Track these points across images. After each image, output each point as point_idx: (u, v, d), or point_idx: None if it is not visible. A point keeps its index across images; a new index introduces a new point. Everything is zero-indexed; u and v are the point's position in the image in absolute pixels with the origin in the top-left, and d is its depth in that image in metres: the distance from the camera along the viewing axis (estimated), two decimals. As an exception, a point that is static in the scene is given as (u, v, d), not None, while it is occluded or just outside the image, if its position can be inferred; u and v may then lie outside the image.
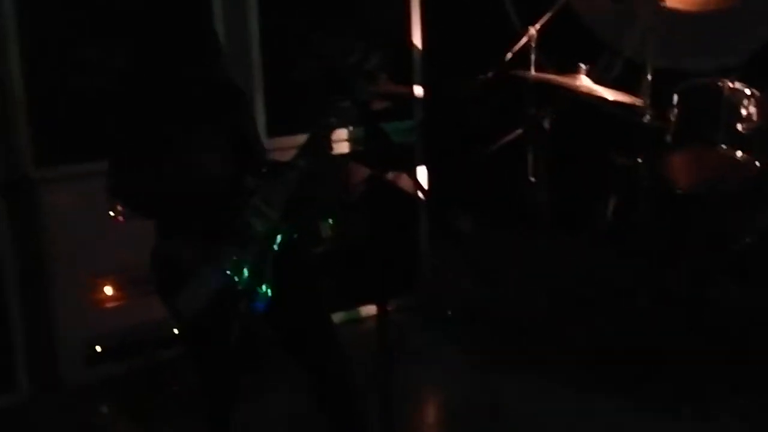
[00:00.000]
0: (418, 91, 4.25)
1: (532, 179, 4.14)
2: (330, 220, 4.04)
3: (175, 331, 3.22)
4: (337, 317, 3.82)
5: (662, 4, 3.77)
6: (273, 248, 2.64)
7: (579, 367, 3.65)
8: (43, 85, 3.43)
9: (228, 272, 2.54)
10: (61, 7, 3.47)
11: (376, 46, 2.71)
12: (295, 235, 2.75)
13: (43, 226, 3.49)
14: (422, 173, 4.33)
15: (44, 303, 3.53)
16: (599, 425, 3.36)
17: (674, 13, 3.88)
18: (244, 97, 2.97)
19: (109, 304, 3.62)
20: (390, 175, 3.35)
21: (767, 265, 3.80)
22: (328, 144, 2.80)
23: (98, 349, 3.61)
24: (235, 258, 2.56)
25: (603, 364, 3.62)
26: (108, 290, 3.61)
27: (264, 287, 2.59)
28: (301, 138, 2.67)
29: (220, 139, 2.73)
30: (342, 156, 3.98)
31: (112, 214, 3.48)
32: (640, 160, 3.86)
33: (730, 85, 3.58)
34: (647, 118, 3.73)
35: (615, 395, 3.45)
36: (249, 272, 2.57)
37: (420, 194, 4.23)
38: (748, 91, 3.57)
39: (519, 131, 4.07)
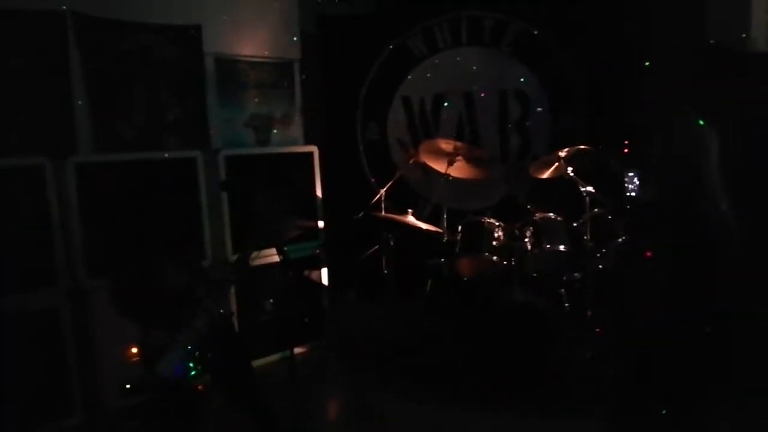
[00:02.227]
0: (321, 224, 4.25)
1: (385, 272, 4.05)
2: (270, 300, 3.88)
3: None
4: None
5: (448, 177, 3.77)
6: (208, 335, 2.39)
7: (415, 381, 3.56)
8: (96, 223, 3.22)
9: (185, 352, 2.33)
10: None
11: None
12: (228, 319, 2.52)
13: (94, 316, 3.27)
14: (325, 271, 4.27)
15: (94, 360, 3.32)
16: (425, 413, 3.26)
17: (456, 180, 3.89)
18: None
19: (135, 359, 3.26)
20: (306, 272, 3.32)
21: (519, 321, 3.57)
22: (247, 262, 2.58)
23: (128, 386, 3.32)
24: (184, 344, 2.35)
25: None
26: (134, 350, 3.25)
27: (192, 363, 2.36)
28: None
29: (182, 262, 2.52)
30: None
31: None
32: (442, 260, 3.83)
33: (488, 219, 3.68)
34: (445, 238, 3.75)
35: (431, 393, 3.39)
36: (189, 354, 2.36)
37: (323, 282, 4.17)
38: (497, 223, 3.67)
39: (377, 246, 4.03)
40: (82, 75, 3.51)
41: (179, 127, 4.10)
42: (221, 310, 2.40)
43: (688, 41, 3.95)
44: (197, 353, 2.33)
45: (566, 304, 3.46)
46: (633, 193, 3.01)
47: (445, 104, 4.49)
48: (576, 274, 3.52)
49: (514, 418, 3.12)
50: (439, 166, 3.80)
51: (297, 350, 4.05)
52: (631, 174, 3.04)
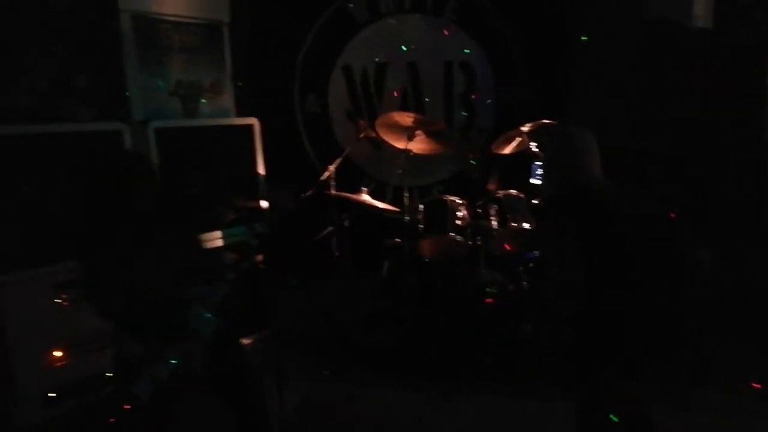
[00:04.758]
0: (264, 203, 3.93)
1: (336, 254, 3.86)
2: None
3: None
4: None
5: (409, 152, 3.56)
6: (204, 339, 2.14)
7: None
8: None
9: (171, 364, 2.06)
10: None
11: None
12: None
13: (7, 316, 2.87)
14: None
15: (9, 367, 2.90)
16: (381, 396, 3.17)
17: (415, 156, 3.64)
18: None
19: (59, 363, 3.03)
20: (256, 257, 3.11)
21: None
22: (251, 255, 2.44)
23: (52, 394, 3.01)
24: (175, 354, 2.08)
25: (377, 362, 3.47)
26: (57, 353, 3.03)
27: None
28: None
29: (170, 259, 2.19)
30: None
31: (57, 301, 2.94)
32: (398, 240, 3.67)
33: (451, 198, 3.54)
34: (406, 217, 3.56)
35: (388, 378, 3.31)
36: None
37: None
38: (460, 201, 3.55)
39: (330, 228, 3.78)
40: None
41: (91, 96, 3.67)
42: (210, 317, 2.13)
43: (629, 16, 4.08)
44: (185, 370, 2.06)
45: (524, 283, 3.43)
46: (538, 182, 3.08)
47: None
48: (535, 252, 3.49)
49: (485, 400, 3.08)
50: (398, 142, 3.61)
51: (244, 341, 3.82)
52: (536, 164, 3.13)
